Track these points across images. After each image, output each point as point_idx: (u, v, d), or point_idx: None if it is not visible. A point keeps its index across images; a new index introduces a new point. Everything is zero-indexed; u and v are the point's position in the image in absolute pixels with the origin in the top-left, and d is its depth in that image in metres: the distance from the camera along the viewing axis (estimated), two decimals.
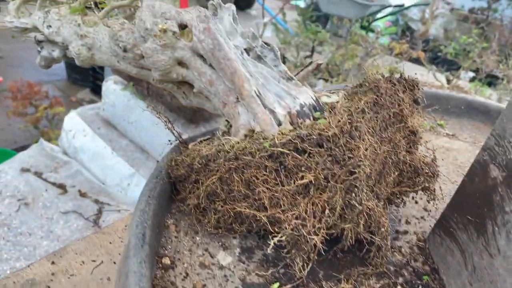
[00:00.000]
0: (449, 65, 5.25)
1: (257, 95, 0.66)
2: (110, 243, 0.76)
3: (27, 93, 2.59)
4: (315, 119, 0.65)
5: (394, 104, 0.68)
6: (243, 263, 0.68)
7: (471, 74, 5.41)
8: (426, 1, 6.79)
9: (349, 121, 0.58)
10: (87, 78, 3.91)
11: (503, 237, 0.58)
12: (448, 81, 4.33)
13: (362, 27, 5.54)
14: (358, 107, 0.61)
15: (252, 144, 0.62)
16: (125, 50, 0.81)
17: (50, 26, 0.87)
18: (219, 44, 0.72)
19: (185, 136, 0.96)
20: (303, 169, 0.57)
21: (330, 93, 0.72)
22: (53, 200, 1.59)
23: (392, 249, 0.75)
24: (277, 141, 0.59)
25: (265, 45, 0.82)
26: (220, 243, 0.70)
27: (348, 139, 0.57)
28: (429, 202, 0.77)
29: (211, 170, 0.66)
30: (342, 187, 0.56)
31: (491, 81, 4.32)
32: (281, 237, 0.56)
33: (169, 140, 0.81)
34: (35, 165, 1.72)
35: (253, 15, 6.54)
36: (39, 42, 1.00)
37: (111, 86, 1.74)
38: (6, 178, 1.63)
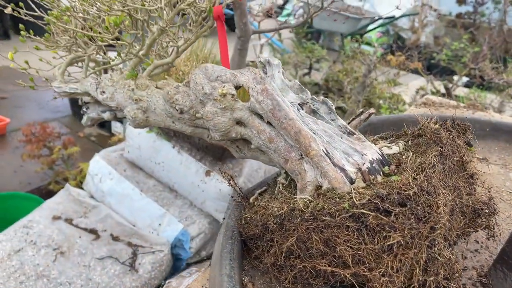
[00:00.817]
0: (443, 71, 5.35)
1: (325, 154, 0.69)
2: None
3: (41, 134, 2.62)
4: (385, 174, 0.68)
5: (455, 152, 0.71)
6: None
7: (465, 79, 5.51)
8: (414, 10, 6.93)
9: (426, 178, 0.61)
10: None
11: None
12: (447, 89, 4.40)
13: (356, 40, 5.64)
14: (430, 163, 0.64)
15: (329, 204, 0.65)
16: (181, 112, 0.84)
17: (104, 92, 0.90)
18: (279, 105, 0.76)
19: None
20: (387, 228, 0.59)
21: (389, 143, 0.76)
22: (87, 246, 1.60)
23: None
24: (356, 201, 0.62)
25: (316, 98, 0.85)
26: None
27: (427, 196, 0.60)
28: (489, 240, 0.80)
29: (287, 230, 0.69)
30: (426, 243, 0.59)
31: (488, 86, 4.40)
32: None
33: (232, 196, 0.84)
34: (64, 212, 1.74)
35: None
36: (84, 103, 1.03)
37: (135, 128, 1.76)
38: (38, 227, 1.64)
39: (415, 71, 4.78)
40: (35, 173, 2.80)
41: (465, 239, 0.79)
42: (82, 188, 2.03)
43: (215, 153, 1.60)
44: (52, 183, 2.58)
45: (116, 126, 3.43)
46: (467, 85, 5.30)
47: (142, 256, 1.60)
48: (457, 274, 0.67)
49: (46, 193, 2.75)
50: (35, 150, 2.54)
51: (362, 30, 6.79)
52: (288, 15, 7.78)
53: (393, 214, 0.59)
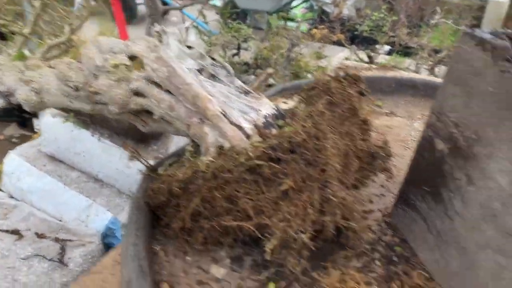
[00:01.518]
0: (366, 41, 5.55)
1: (222, 114, 0.70)
2: (104, 281, 0.76)
3: None
4: (280, 127, 0.70)
5: (346, 100, 0.75)
6: (236, 271, 0.72)
7: (387, 48, 5.76)
8: None
9: (313, 124, 0.64)
10: (11, 112, 3.69)
11: (459, 200, 0.67)
12: (370, 57, 4.57)
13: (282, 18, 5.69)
14: (318, 110, 0.66)
15: (228, 161, 0.66)
16: (77, 89, 0.81)
17: None
18: (174, 71, 0.75)
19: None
20: (281, 176, 0.62)
21: (286, 99, 0.78)
22: (10, 248, 1.52)
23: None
24: (251, 155, 0.63)
25: (216, 63, 0.85)
26: (210, 258, 0.73)
27: (315, 141, 0.62)
28: (388, 181, 0.85)
29: (191, 193, 0.69)
30: (318, 185, 0.62)
31: (407, 51, 4.62)
32: (273, 242, 0.60)
33: (140, 170, 0.83)
34: None
35: (173, 21, 6.49)
36: None
37: (49, 120, 1.67)
38: None
39: (340, 43, 4.92)
40: None
41: (367, 183, 0.84)
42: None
43: (136, 135, 1.57)
44: None
45: (38, 124, 3.25)
46: (389, 53, 5.53)
47: (71, 249, 1.55)
48: (356, 214, 0.71)
49: None
50: None
51: (287, 7, 6.85)
52: None
53: (284, 161, 0.61)
